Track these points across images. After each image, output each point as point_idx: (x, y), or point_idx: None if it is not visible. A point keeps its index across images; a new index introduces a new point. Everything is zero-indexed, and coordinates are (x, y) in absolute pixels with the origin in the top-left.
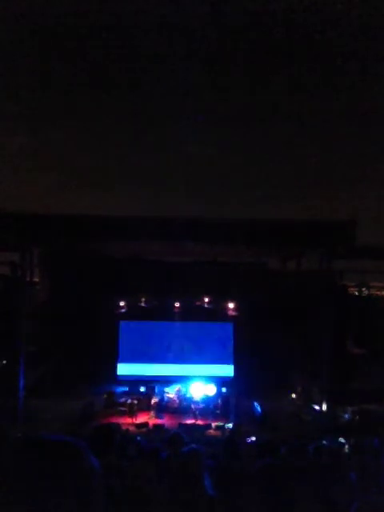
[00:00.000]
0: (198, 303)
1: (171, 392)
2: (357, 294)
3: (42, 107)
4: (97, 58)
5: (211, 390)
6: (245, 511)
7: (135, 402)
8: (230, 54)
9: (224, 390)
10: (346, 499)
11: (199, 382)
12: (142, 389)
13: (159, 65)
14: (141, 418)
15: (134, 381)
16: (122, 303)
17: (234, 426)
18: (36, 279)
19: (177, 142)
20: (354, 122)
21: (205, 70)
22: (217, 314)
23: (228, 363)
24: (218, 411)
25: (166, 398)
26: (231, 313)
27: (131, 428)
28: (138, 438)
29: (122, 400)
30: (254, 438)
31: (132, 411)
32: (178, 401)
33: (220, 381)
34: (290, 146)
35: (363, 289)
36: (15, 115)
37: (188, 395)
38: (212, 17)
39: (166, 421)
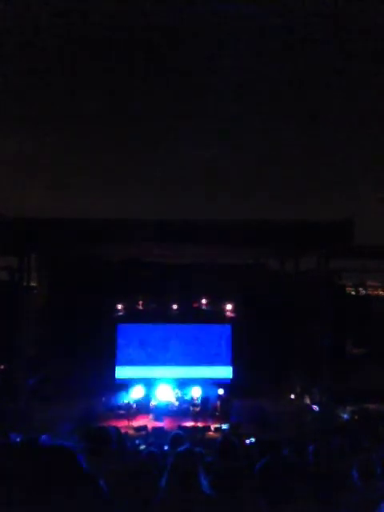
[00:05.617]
0: (196, 305)
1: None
2: (353, 293)
3: (40, 110)
4: (96, 60)
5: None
6: (243, 511)
7: (134, 404)
8: (228, 53)
9: (221, 391)
10: (346, 499)
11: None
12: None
13: (158, 65)
14: (140, 421)
15: (133, 383)
16: (119, 306)
17: (229, 425)
18: (33, 283)
19: (176, 144)
20: (352, 123)
21: (205, 70)
22: (215, 315)
23: (227, 365)
24: (217, 413)
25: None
26: (230, 314)
27: (130, 431)
28: (137, 440)
29: (121, 403)
30: (253, 439)
31: (131, 414)
32: (177, 403)
33: (218, 382)
34: (288, 146)
35: (360, 288)
36: (13, 118)
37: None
38: (210, 18)
39: (165, 423)
